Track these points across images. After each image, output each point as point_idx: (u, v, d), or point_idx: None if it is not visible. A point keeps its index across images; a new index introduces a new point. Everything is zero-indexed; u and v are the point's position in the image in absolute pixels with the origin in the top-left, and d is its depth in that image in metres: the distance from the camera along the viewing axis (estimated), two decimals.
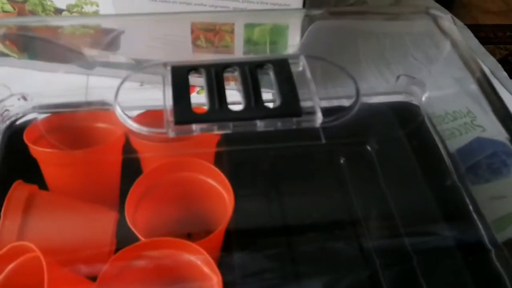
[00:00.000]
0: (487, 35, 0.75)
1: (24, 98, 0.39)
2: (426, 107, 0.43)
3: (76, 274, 0.31)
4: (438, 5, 0.69)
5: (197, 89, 0.44)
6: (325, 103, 0.32)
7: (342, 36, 0.48)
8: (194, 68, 0.33)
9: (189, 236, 0.34)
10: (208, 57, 0.46)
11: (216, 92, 0.31)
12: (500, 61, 0.68)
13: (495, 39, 0.74)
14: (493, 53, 0.71)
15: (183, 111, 0.31)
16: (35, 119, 0.37)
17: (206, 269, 0.30)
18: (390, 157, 0.41)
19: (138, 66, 0.35)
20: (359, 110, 0.32)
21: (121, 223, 0.33)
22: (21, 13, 0.48)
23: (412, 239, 0.35)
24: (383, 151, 0.41)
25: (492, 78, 0.63)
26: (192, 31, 0.46)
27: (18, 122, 0.39)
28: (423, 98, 0.42)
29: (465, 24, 0.69)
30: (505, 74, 0.64)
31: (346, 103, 0.33)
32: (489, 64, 0.64)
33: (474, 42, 0.67)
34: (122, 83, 0.33)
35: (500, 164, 0.44)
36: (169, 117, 0.31)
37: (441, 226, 0.37)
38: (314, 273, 0.34)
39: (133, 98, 0.36)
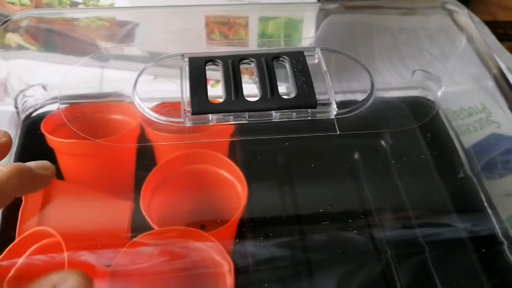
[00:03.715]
0: (505, 32, 0.74)
1: (44, 88, 0.40)
2: (441, 102, 0.42)
3: (92, 261, 0.31)
4: (454, 1, 0.69)
5: (211, 82, 0.44)
6: (340, 97, 0.33)
7: (357, 30, 0.48)
8: (211, 60, 0.33)
9: (203, 227, 0.34)
10: (223, 49, 0.46)
11: (233, 83, 0.32)
12: None
13: None
14: (511, 50, 0.70)
15: (200, 101, 0.31)
16: (53, 110, 0.38)
17: (217, 257, 0.30)
18: (405, 151, 0.41)
19: (155, 58, 0.35)
20: (374, 104, 0.33)
21: (136, 213, 0.34)
22: (38, 6, 0.49)
23: (424, 231, 0.35)
24: (397, 145, 0.41)
25: (508, 74, 0.62)
26: (207, 25, 0.46)
27: (36, 113, 0.40)
28: (439, 94, 0.42)
29: (483, 21, 0.69)
30: None
31: (360, 97, 0.33)
32: (505, 60, 0.64)
33: (491, 38, 0.67)
34: (140, 74, 0.34)
35: None
36: (187, 107, 0.31)
37: (454, 219, 0.37)
38: (326, 262, 0.34)
39: (148, 90, 0.37)
